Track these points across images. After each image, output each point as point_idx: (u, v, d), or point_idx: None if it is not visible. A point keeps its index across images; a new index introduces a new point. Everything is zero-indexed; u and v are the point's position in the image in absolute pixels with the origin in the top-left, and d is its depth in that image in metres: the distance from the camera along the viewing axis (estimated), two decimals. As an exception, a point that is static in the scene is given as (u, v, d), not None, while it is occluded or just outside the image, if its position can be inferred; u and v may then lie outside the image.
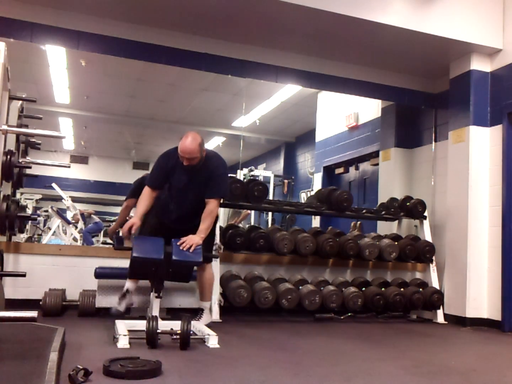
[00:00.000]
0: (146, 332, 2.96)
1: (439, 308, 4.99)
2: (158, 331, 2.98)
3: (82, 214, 10.23)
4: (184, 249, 3.30)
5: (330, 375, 2.66)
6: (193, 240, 3.35)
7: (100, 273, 4.02)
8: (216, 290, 4.30)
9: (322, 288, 4.64)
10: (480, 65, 5.06)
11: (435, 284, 5.17)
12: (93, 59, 6.34)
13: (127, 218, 4.48)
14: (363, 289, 4.86)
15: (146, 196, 3.62)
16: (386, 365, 2.99)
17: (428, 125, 5.94)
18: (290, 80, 5.61)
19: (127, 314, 3.96)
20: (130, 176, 13.76)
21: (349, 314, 4.71)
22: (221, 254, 4.51)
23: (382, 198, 5.98)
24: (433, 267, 5.25)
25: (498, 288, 4.71)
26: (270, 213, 8.87)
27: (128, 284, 3.70)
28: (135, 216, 3.55)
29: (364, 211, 5.41)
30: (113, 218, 11.26)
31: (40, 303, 3.86)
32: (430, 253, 5.21)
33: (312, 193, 7.34)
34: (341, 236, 5.09)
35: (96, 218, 10.36)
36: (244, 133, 8.65)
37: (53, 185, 9.76)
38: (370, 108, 6.85)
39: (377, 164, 6.54)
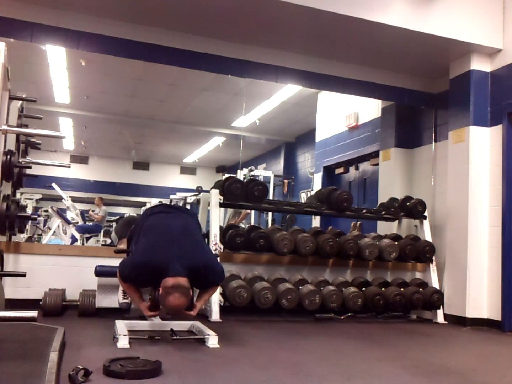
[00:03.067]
0: None
1: (439, 308, 4.99)
2: None
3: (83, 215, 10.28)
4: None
5: (330, 375, 2.66)
6: (189, 315, 3.08)
7: (100, 271, 4.01)
8: (216, 290, 4.30)
9: (322, 288, 4.63)
10: (480, 65, 5.06)
11: (435, 284, 5.17)
12: (93, 59, 6.34)
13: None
14: (363, 289, 4.86)
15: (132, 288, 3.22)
16: (386, 365, 2.99)
17: (428, 125, 5.94)
18: (290, 80, 5.61)
19: (127, 314, 3.97)
20: (130, 176, 13.84)
21: (349, 314, 4.70)
22: (221, 254, 4.51)
23: (382, 198, 5.98)
24: (433, 267, 5.25)
25: (498, 288, 4.71)
26: (270, 213, 8.86)
27: None
28: (142, 304, 3.18)
29: (364, 211, 5.41)
30: (113, 218, 11.29)
31: (40, 303, 3.86)
32: (430, 253, 5.21)
33: (312, 193, 7.33)
34: (341, 236, 5.09)
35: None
36: (244, 133, 8.66)
37: (53, 185, 9.75)
38: (370, 108, 6.85)
39: (377, 164, 6.54)
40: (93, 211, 10.73)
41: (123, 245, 3.81)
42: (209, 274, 3.14)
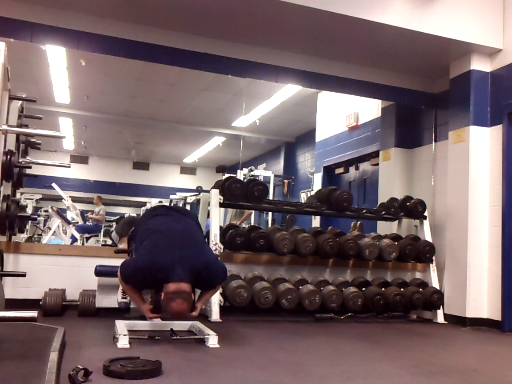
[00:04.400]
0: None
1: (439, 308, 4.99)
2: None
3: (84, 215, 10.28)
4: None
5: (330, 375, 2.66)
6: (190, 316, 3.10)
7: (100, 271, 4.01)
8: (218, 290, 4.30)
9: (322, 288, 4.63)
10: (480, 65, 5.06)
11: (435, 284, 5.17)
12: (93, 59, 6.35)
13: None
14: (363, 289, 4.86)
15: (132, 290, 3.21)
16: (386, 365, 2.99)
17: (428, 125, 5.94)
18: (290, 80, 5.61)
19: (127, 314, 3.97)
20: (130, 176, 13.84)
21: (349, 314, 4.70)
22: (221, 254, 4.51)
23: (382, 198, 5.98)
24: (433, 267, 5.25)
25: (498, 288, 4.71)
26: (270, 213, 8.87)
27: None
28: (144, 306, 3.21)
29: (364, 211, 5.41)
30: (113, 218, 11.29)
31: (40, 303, 3.86)
32: (430, 253, 5.21)
33: (312, 193, 7.34)
34: (341, 236, 5.08)
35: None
36: (244, 133, 8.67)
37: (53, 185, 9.76)
38: (370, 108, 6.86)
39: (377, 164, 6.54)
40: (92, 212, 10.73)
41: (123, 244, 3.82)
42: (211, 275, 3.14)
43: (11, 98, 3.51)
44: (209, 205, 4.75)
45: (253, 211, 8.08)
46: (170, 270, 2.92)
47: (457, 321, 4.86)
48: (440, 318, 4.99)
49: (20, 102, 3.78)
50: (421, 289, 4.99)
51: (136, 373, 2.31)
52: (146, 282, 3.08)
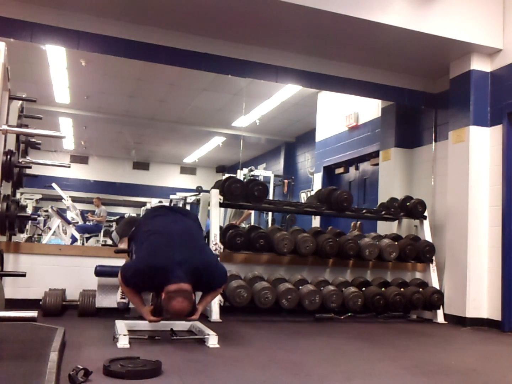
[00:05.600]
0: None
1: (439, 308, 4.99)
2: None
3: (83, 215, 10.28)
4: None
5: (330, 375, 2.66)
6: (191, 319, 3.12)
7: (100, 271, 4.01)
8: (219, 292, 4.30)
9: (322, 288, 4.63)
10: (480, 65, 5.06)
11: (435, 284, 5.17)
12: (93, 59, 6.34)
13: None
14: (363, 289, 4.86)
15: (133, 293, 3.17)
16: (386, 365, 2.99)
17: (428, 125, 5.94)
18: (290, 80, 5.61)
19: (127, 314, 3.97)
20: (130, 176, 13.84)
21: (349, 314, 4.70)
22: (221, 254, 4.51)
23: (382, 198, 5.98)
24: (433, 267, 5.25)
25: (498, 288, 4.71)
26: (270, 213, 8.87)
27: None
28: (144, 309, 3.14)
29: (364, 211, 5.41)
30: (113, 218, 11.29)
31: (40, 303, 3.86)
32: (430, 253, 5.21)
33: (312, 193, 7.34)
34: (341, 236, 5.08)
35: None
36: (244, 133, 8.66)
37: (53, 185, 9.75)
38: (370, 108, 6.86)
39: (377, 164, 6.54)
40: (92, 213, 10.72)
41: (123, 244, 3.82)
42: (211, 277, 3.13)
43: (11, 98, 3.51)
44: (209, 205, 4.75)
45: (252, 211, 8.08)
46: (171, 272, 2.92)
47: (457, 321, 4.86)
48: (440, 318, 4.99)
49: (20, 102, 3.78)
50: (421, 289, 4.99)
51: (136, 373, 2.31)
52: (147, 285, 3.07)
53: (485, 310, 4.82)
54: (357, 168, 7.31)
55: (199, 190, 9.13)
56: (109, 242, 8.80)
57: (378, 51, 5.21)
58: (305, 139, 9.94)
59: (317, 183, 7.92)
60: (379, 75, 5.65)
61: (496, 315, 4.70)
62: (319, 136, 8.13)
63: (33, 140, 4.33)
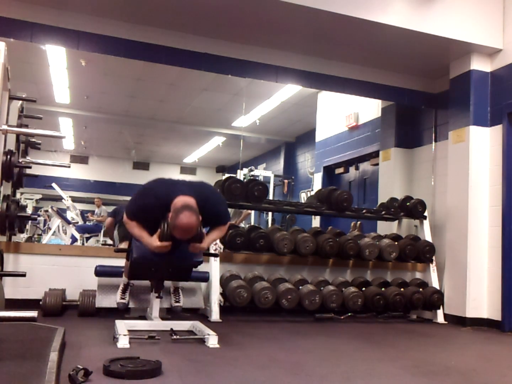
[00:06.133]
0: None
1: (439, 308, 4.99)
2: None
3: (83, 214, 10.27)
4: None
5: (330, 375, 2.66)
6: (199, 247, 3.11)
7: (101, 271, 4.02)
8: (216, 290, 4.31)
9: (322, 288, 4.63)
10: (480, 65, 5.06)
11: (435, 284, 5.17)
12: (93, 59, 6.34)
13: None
14: (363, 289, 4.86)
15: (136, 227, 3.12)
16: (386, 365, 2.99)
17: (428, 125, 5.94)
18: (290, 80, 5.61)
19: (127, 314, 3.97)
20: (130, 176, 13.83)
21: (349, 314, 4.70)
22: (221, 254, 4.51)
23: (382, 198, 5.98)
24: (433, 267, 5.25)
25: (498, 288, 4.71)
26: (270, 213, 8.87)
27: (125, 279, 3.81)
28: (151, 238, 3.05)
29: (364, 211, 5.41)
30: (112, 218, 11.26)
31: (40, 303, 3.86)
32: (430, 253, 5.21)
33: (312, 193, 7.34)
34: (341, 236, 5.08)
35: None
36: (244, 133, 8.66)
37: (53, 185, 9.75)
38: (370, 108, 6.86)
39: (377, 164, 6.55)
40: (92, 213, 10.71)
41: (124, 245, 3.82)
42: (216, 202, 3.20)
43: (11, 98, 3.51)
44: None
45: (250, 211, 8.07)
46: (176, 192, 2.98)
47: (457, 321, 4.86)
48: (440, 318, 4.99)
49: (20, 102, 3.78)
50: (421, 289, 4.99)
51: (136, 373, 2.31)
52: (151, 213, 3.02)
53: (485, 310, 4.82)
54: (357, 168, 7.31)
55: (199, 190, 9.09)
56: (109, 242, 8.81)
57: (378, 51, 5.21)
58: (305, 139, 9.94)
59: (317, 183, 7.92)
60: (379, 75, 5.65)
61: (496, 315, 4.70)
62: (319, 136, 8.13)
63: (33, 140, 4.33)
